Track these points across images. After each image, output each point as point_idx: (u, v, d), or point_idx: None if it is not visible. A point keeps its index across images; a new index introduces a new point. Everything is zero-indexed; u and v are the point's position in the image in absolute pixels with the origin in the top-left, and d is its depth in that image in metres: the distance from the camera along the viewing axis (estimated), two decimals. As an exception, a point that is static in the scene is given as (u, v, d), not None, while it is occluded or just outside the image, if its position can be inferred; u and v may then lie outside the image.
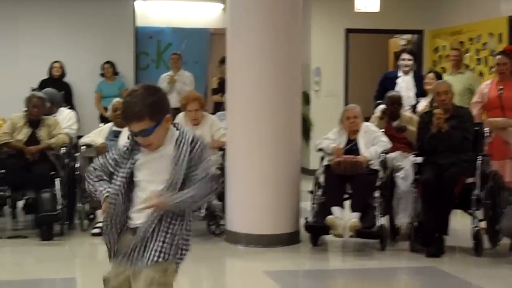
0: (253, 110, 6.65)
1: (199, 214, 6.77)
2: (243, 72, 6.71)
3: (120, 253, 3.06)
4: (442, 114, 6.46)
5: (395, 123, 7.35)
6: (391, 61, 13.45)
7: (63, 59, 10.97)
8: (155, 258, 2.98)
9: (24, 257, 6.34)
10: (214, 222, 7.08)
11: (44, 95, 7.64)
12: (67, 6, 11.55)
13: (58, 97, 8.23)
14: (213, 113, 8.67)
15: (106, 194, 3.03)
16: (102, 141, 7.51)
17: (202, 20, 12.41)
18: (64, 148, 7.28)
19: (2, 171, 7.10)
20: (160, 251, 2.99)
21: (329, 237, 6.60)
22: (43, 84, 9.88)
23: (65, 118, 7.97)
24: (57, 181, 6.93)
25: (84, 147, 7.49)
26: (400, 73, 9.10)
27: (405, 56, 9.20)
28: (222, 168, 7.18)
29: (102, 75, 11.34)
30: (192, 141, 3.05)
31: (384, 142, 6.81)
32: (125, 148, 3.11)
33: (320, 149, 6.96)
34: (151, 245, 2.99)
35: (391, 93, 7.64)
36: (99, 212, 7.16)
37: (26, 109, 7.50)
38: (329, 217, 6.30)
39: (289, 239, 6.62)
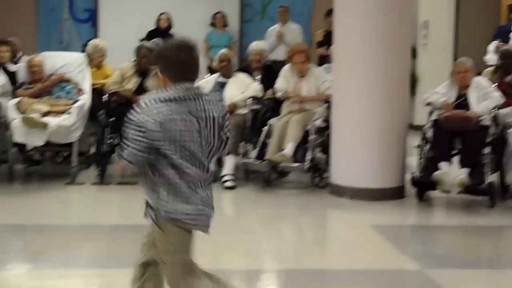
0: (360, 63, 6.53)
1: (303, 166, 6.78)
2: (351, 25, 6.58)
3: None
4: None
5: (508, 78, 7.08)
6: (504, 14, 12.89)
7: (170, 11, 11.08)
8: None
9: (132, 203, 6.50)
10: (318, 175, 7.07)
11: (152, 46, 7.76)
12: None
13: (166, 48, 8.31)
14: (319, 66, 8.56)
15: None
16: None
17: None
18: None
19: (112, 119, 7.30)
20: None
21: (435, 193, 6.47)
22: (150, 35, 10.02)
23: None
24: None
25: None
26: (514, 27, 8.74)
27: (520, 8, 8.81)
28: (327, 120, 7.14)
29: (212, 24, 11.38)
30: None
31: (496, 97, 6.58)
32: None
33: (429, 104, 6.79)
34: None
35: (504, 48, 7.35)
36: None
37: (135, 59, 7.66)
38: (437, 172, 6.18)
39: (395, 194, 6.53)
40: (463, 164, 6.29)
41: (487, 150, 6.30)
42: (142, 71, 7.53)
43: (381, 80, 6.47)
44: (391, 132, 6.53)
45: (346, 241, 5.41)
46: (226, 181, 6.96)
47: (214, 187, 6.98)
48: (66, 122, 6.95)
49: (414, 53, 11.11)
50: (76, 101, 7.31)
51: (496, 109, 6.56)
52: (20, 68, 7.92)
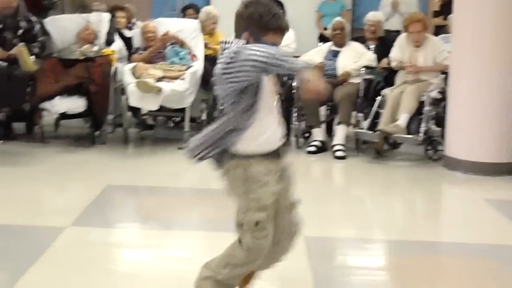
0: (481, 33, 6.25)
1: (417, 138, 6.61)
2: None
3: None
4: None
5: None
6: None
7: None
8: None
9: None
10: (432, 147, 6.87)
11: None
12: None
13: (278, 15, 8.26)
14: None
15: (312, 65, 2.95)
16: (321, 61, 7.49)
17: None
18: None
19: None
20: None
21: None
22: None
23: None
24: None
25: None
26: None
27: None
28: (443, 92, 6.92)
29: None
30: None
31: None
32: None
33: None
34: None
35: None
36: (315, 131, 7.21)
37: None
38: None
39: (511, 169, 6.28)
40: None
41: None
42: (254, 38, 7.51)
43: (503, 51, 6.19)
44: (510, 105, 6.25)
45: (459, 215, 5.24)
46: (336, 150, 6.87)
47: (325, 157, 6.97)
48: (180, 87, 7.03)
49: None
50: (189, 67, 7.39)
51: None
52: (135, 34, 8.08)
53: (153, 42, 7.68)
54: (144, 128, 8.11)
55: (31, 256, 3.74)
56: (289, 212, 3.02)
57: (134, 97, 6.88)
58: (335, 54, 7.54)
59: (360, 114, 7.20)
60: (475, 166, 6.25)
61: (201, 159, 2.93)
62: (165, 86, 6.92)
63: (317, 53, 7.58)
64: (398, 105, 6.77)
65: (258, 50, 2.64)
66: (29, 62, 7.14)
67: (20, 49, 7.10)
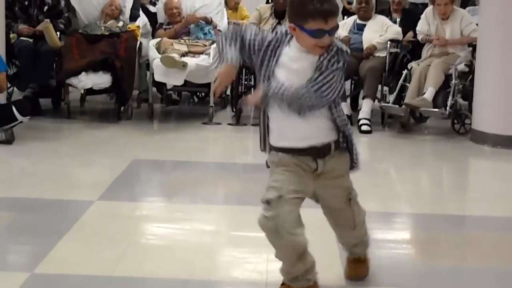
0: (509, 6, 6.20)
1: (444, 112, 6.57)
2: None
3: None
4: None
5: None
6: None
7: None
8: None
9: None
10: (459, 121, 6.82)
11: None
12: None
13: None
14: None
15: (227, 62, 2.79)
16: (346, 34, 7.44)
17: None
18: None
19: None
20: None
21: None
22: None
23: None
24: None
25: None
26: None
27: None
28: (470, 65, 6.85)
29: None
30: None
31: None
32: (274, 40, 2.78)
33: None
34: None
35: None
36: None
37: (272, 0, 7.61)
38: None
39: (541, 142, 6.22)
40: None
41: None
42: (279, 13, 7.48)
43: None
44: (539, 78, 6.19)
45: (487, 188, 5.20)
46: (362, 125, 6.84)
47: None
48: (204, 62, 7.03)
49: None
50: (214, 42, 7.37)
51: None
52: (159, 9, 8.08)
53: (178, 18, 7.66)
54: (169, 103, 8.14)
55: (61, 230, 3.78)
56: (334, 212, 3.05)
57: (159, 72, 6.89)
58: (360, 27, 7.49)
59: (386, 88, 7.16)
60: (502, 140, 6.21)
61: None
62: (190, 61, 6.92)
63: (342, 27, 7.52)
64: (424, 78, 6.72)
65: None
66: (55, 38, 7.18)
67: (46, 25, 7.15)
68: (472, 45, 6.83)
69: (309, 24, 2.66)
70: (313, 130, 2.82)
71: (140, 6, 8.05)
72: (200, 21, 7.61)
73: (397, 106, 6.77)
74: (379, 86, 7.20)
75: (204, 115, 7.30)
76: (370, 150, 6.61)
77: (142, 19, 7.78)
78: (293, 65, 2.76)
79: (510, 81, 6.19)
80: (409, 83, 6.82)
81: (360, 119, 6.91)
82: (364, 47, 7.29)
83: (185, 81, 6.97)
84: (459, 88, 6.80)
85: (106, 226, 3.97)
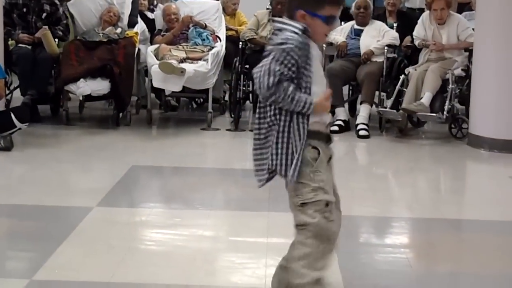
0: (506, 10, 6.22)
1: (441, 116, 6.59)
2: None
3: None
4: None
5: None
6: None
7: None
8: None
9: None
10: (456, 125, 6.85)
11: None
12: None
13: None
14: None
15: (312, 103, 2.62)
16: (343, 40, 7.47)
17: None
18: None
19: (246, 66, 7.34)
20: None
21: None
22: (284, -16, 9.97)
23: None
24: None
25: (324, 45, 7.47)
26: None
27: None
28: (467, 70, 6.88)
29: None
30: None
31: None
32: (303, 45, 2.61)
33: None
34: None
35: None
36: (338, 110, 7.17)
37: (270, 6, 7.63)
38: None
39: (538, 146, 6.24)
40: None
41: None
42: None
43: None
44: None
45: (484, 192, 5.22)
46: (360, 129, 6.86)
47: (348, 136, 6.96)
48: (202, 68, 7.04)
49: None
50: (212, 48, 7.40)
51: None
52: (157, 16, 8.10)
53: (176, 24, 7.69)
54: (168, 109, 8.16)
55: (59, 236, 3.79)
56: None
57: (158, 79, 6.90)
58: (358, 33, 7.51)
59: (383, 93, 7.18)
60: (499, 144, 6.23)
61: None
62: (188, 67, 6.94)
63: (339, 32, 7.55)
64: (421, 83, 6.74)
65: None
66: (53, 45, 7.20)
67: (44, 32, 7.17)
68: (469, 50, 6.85)
69: (324, 10, 2.61)
70: None
71: (138, 12, 8.07)
72: (197, 26, 7.61)
73: (394, 111, 6.80)
74: (377, 91, 7.23)
75: (202, 121, 7.32)
76: (368, 155, 6.63)
77: (140, 26, 7.80)
78: (318, 64, 2.74)
79: (507, 86, 6.22)
80: (406, 88, 6.85)
81: (358, 124, 6.93)
82: (362, 53, 7.32)
83: (184, 87, 6.98)
84: (456, 93, 6.82)
85: (105, 232, 3.98)
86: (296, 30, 2.62)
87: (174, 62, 6.89)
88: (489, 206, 4.77)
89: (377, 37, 7.41)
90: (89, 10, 7.79)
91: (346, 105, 7.64)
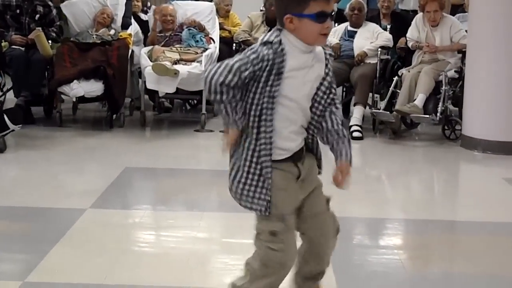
0: (498, 13, 6.22)
1: (434, 118, 6.60)
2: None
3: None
4: None
5: None
6: None
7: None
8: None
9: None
10: (449, 127, 6.86)
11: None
12: None
13: (294, -3, 8.25)
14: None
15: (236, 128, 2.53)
16: (337, 41, 7.48)
17: None
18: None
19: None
20: None
21: None
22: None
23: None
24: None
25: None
26: None
27: None
28: (460, 71, 6.89)
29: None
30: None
31: None
32: (270, 52, 2.42)
33: None
34: None
35: None
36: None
37: (264, 8, 7.64)
38: None
39: (532, 148, 6.26)
40: None
41: None
42: (270, 20, 7.51)
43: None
44: (528, 84, 6.23)
45: (478, 194, 5.22)
46: (354, 131, 6.87)
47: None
48: (196, 70, 7.04)
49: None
50: (205, 50, 7.40)
51: None
52: (151, 17, 8.09)
53: (171, 25, 7.68)
54: (161, 111, 8.15)
55: (53, 238, 3.79)
56: (320, 216, 2.72)
57: (151, 80, 6.90)
58: (351, 34, 7.52)
59: (377, 95, 7.19)
60: (493, 145, 6.24)
61: None
62: (182, 68, 6.94)
63: (333, 34, 7.55)
64: (415, 85, 6.75)
65: None
66: (46, 46, 7.19)
67: (37, 34, 7.15)
68: (462, 52, 6.87)
69: (310, 7, 2.41)
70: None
71: (132, 14, 8.06)
72: (191, 27, 7.61)
73: (388, 112, 6.80)
74: (370, 93, 7.24)
75: (196, 123, 7.31)
76: (361, 156, 6.63)
77: (134, 27, 7.79)
78: (305, 74, 2.51)
79: (500, 87, 6.23)
80: (399, 89, 6.86)
81: (351, 126, 6.93)
82: (355, 54, 7.33)
83: (177, 88, 6.97)
84: (449, 94, 6.83)
85: (98, 234, 3.98)
86: (259, 43, 2.48)
87: (167, 63, 6.89)
88: (482, 207, 4.78)
89: (371, 38, 7.42)
90: (82, 11, 7.77)
91: (340, 106, 7.63)
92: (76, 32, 7.62)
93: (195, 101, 8.46)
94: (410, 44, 7.19)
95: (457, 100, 7.06)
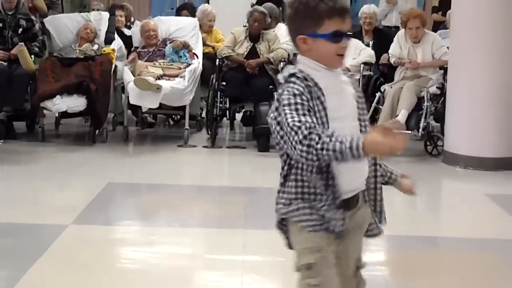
0: (480, 28, 6.27)
1: (416, 134, 6.64)
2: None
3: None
4: None
5: None
6: None
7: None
8: None
9: (242, 167, 6.56)
10: (431, 143, 6.90)
11: (265, 10, 7.73)
12: None
13: (276, 12, 8.30)
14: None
15: (362, 140, 2.07)
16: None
17: None
18: (283, 62, 7.32)
19: (223, 83, 7.35)
20: None
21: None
22: (261, 1, 10.01)
23: (283, 33, 8.02)
24: (275, 95, 7.04)
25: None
26: None
27: None
28: (442, 87, 6.95)
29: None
30: None
31: None
32: (298, 81, 2.19)
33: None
34: None
35: None
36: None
37: (247, 23, 7.66)
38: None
39: (512, 164, 6.31)
40: None
41: None
42: (253, 36, 7.53)
43: (501, 47, 6.22)
44: (510, 100, 6.27)
45: (460, 210, 5.25)
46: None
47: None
48: (179, 85, 7.04)
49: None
50: (188, 65, 7.40)
51: None
52: (134, 33, 8.09)
53: (154, 41, 7.68)
54: (144, 126, 8.14)
55: (34, 254, 3.76)
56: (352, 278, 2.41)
57: (134, 95, 6.89)
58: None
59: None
60: (474, 161, 6.28)
61: None
62: (165, 84, 6.94)
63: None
64: (397, 101, 6.80)
65: None
66: (29, 61, 7.17)
67: (20, 49, 7.13)
68: (444, 68, 6.92)
69: (324, 26, 2.21)
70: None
71: (115, 29, 8.06)
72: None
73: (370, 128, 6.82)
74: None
75: (179, 138, 7.31)
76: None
77: (117, 42, 7.79)
78: (341, 90, 2.29)
79: (481, 104, 6.27)
80: (382, 105, 6.90)
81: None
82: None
83: (160, 103, 6.96)
84: (431, 110, 6.88)
85: (80, 251, 3.95)
86: (282, 80, 2.25)
87: (150, 78, 6.89)
88: (464, 223, 4.81)
89: (354, 54, 7.46)
90: (66, 26, 7.77)
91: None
92: (59, 47, 7.61)
93: (178, 116, 8.46)
94: (392, 60, 7.24)
95: (439, 116, 7.11)
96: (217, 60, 7.53)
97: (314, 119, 2.13)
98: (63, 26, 7.77)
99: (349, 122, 2.28)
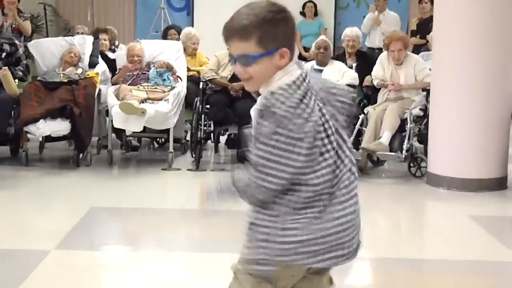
0: (462, 50, 6.32)
1: (400, 155, 6.67)
2: (451, 10, 6.39)
3: None
4: None
5: None
6: None
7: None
8: None
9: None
10: (415, 164, 6.93)
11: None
12: None
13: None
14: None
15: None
16: (303, 80, 7.54)
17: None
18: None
19: (207, 106, 7.37)
20: None
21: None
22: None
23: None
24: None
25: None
26: None
27: None
28: (425, 109, 7.00)
29: (302, 14, 11.36)
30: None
31: None
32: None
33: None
34: None
35: None
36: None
37: (231, 46, 7.70)
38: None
39: (496, 185, 6.33)
40: None
41: None
42: (237, 59, 7.55)
43: (483, 68, 6.26)
44: (492, 122, 6.32)
45: (443, 231, 5.26)
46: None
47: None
48: (163, 108, 7.05)
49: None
50: (173, 88, 7.42)
51: None
52: (118, 56, 8.11)
53: (138, 65, 7.69)
54: (129, 149, 8.13)
55: (15, 281, 3.73)
56: None
57: (118, 119, 6.89)
58: (318, 72, 7.60)
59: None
60: (458, 183, 6.31)
61: None
62: (149, 107, 6.94)
63: (300, 73, 7.62)
64: (380, 122, 6.84)
65: None
66: (13, 86, 7.16)
67: (3, 73, 7.12)
68: (426, 90, 6.98)
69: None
70: None
71: (99, 52, 8.08)
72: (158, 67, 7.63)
73: (354, 150, 6.85)
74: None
75: (163, 161, 7.30)
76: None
77: (101, 66, 7.80)
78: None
79: (463, 125, 6.31)
80: (365, 127, 6.93)
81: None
82: (322, 92, 7.39)
83: (145, 127, 6.97)
84: (414, 132, 6.92)
85: (62, 276, 3.93)
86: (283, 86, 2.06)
87: (135, 102, 6.89)
88: (448, 245, 4.81)
89: (337, 77, 7.50)
90: (50, 50, 7.78)
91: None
92: (43, 71, 7.61)
93: (163, 140, 8.46)
94: (375, 82, 7.29)
95: (422, 138, 7.16)
96: (201, 83, 7.55)
97: None
98: (47, 50, 7.78)
99: None
